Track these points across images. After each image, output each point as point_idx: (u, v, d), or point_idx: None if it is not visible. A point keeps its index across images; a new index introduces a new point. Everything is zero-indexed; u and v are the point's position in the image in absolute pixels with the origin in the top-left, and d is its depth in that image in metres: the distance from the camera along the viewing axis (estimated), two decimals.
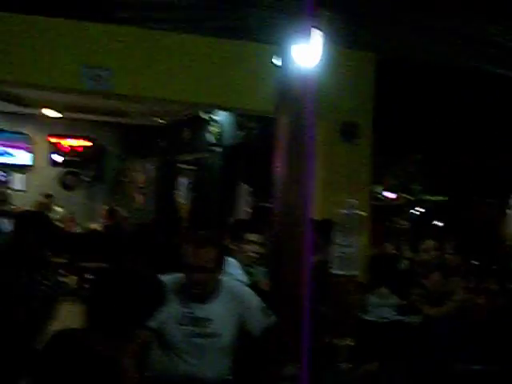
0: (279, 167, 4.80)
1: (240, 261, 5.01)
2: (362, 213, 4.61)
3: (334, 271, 4.35)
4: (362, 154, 7.85)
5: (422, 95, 8.45)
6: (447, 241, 8.39)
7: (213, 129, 11.00)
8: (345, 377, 3.73)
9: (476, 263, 4.59)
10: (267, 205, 4.74)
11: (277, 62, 4.83)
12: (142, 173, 14.20)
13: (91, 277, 6.64)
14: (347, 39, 6.56)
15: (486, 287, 3.96)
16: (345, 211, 4.49)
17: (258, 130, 9.44)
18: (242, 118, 10.07)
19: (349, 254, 4.32)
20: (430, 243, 7.11)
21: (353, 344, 3.90)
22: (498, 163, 11.12)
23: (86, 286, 7.20)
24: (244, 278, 4.62)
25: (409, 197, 14.29)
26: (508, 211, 9.39)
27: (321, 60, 4.73)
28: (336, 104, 7.36)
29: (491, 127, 9.83)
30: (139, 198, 14.06)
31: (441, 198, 13.61)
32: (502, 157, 11.11)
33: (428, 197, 14.00)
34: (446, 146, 10.96)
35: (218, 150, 10.92)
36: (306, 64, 4.50)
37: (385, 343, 4.56)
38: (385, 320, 5.74)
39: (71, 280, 8.26)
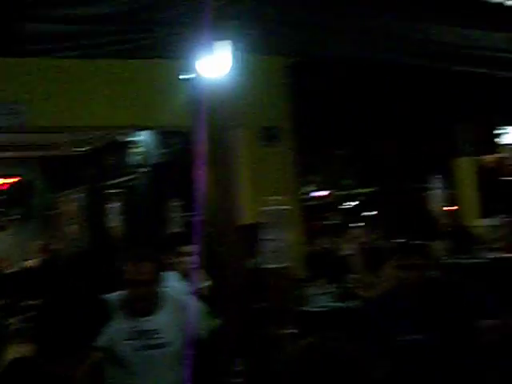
0: (203, 179, 4.91)
1: (179, 272, 5.12)
2: (287, 207, 4.78)
3: (267, 265, 4.53)
4: (284, 156, 8.04)
5: (339, 93, 8.66)
6: (376, 227, 8.67)
7: (137, 150, 11.06)
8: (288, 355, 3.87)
9: (403, 241, 4.79)
10: (198, 218, 4.87)
11: (185, 76, 4.96)
12: (72, 203, 14.10)
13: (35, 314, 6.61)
14: (257, 46, 6.71)
15: (413, 263, 4.13)
16: (270, 208, 4.67)
17: (181, 145, 9.53)
18: (165, 136, 10.16)
19: (279, 247, 4.51)
20: (356, 232, 7.37)
21: (296, 332, 4.06)
22: (418, 151, 11.50)
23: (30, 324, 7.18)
24: (185, 288, 4.74)
25: (340, 192, 14.59)
26: (429, 192, 9.75)
27: (233, 69, 4.86)
28: (254, 110, 7.53)
29: (410, 118, 10.15)
30: (72, 228, 13.95)
31: (370, 189, 13.94)
32: (420, 145, 11.51)
33: (358, 190, 14.32)
34: (368, 139, 11.27)
35: (145, 170, 10.98)
36: (214, 75, 4.64)
37: (327, 330, 4.71)
38: (324, 309, 5.97)
39: (14, 321, 8.20)
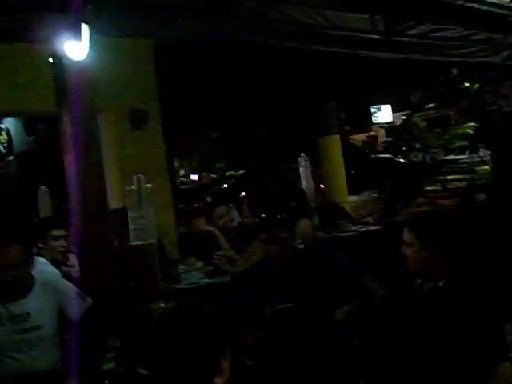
0: (72, 164, 4.91)
1: (49, 257, 5.12)
2: (149, 185, 4.87)
3: (133, 243, 4.63)
4: (154, 139, 8.06)
5: (207, 76, 8.74)
6: (247, 206, 8.89)
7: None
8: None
9: (268, 216, 4.96)
10: (67, 203, 4.87)
11: (51, 60, 4.92)
12: None
13: None
14: (121, 29, 6.66)
15: (278, 237, 4.29)
16: (133, 187, 4.75)
17: (48, 131, 9.38)
18: (31, 122, 9.97)
19: (143, 224, 4.62)
20: (225, 210, 7.55)
21: (169, 306, 4.14)
22: (287, 131, 11.78)
23: None
24: (55, 271, 4.75)
25: (213, 175, 14.77)
26: (298, 171, 10.04)
27: (100, 52, 4.85)
28: (122, 93, 7.52)
29: (278, 98, 10.37)
30: None
31: (242, 171, 14.19)
32: (288, 125, 11.79)
33: (231, 172, 14.55)
34: (238, 121, 11.45)
35: (10, 158, 10.74)
36: (80, 58, 4.63)
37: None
38: (194, 285, 6.14)
39: None
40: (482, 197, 8.45)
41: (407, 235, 3.49)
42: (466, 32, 7.49)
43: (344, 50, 6.53)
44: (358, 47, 6.61)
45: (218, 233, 7.00)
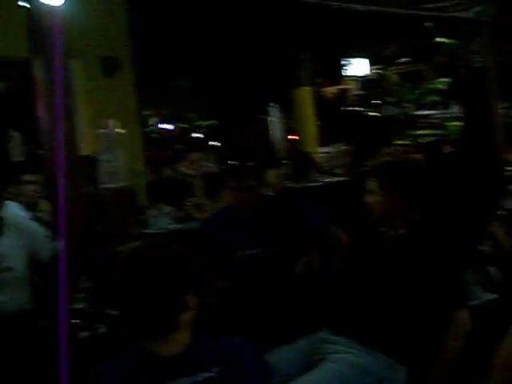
0: (43, 110, 4.92)
1: (20, 201, 5.17)
2: (120, 130, 4.92)
3: (105, 185, 4.71)
4: (125, 87, 8.06)
5: (179, 24, 8.70)
6: (217, 155, 8.94)
7: None
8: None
9: (237, 164, 5.01)
10: (39, 149, 4.90)
11: (23, 3, 4.88)
12: None
13: None
14: None
15: (247, 184, 4.35)
16: (103, 130, 4.81)
17: (19, 76, 9.30)
18: (2, 68, 9.86)
19: (115, 167, 4.69)
20: (195, 157, 7.62)
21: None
22: (258, 81, 11.76)
23: None
24: (26, 214, 4.81)
25: (184, 125, 14.74)
26: (269, 121, 10.10)
27: None
28: (94, 40, 7.49)
29: (250, 48, 10.34)
30: None
31: (213, 121, 14.19)
32: (260, 74, 11.78)
33: (202, 122, 14.53)
34: (209, 70, 11.41)
35: None
36: (53, 2, 4.60)
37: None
38: (164, 230, 6.24)
39: None
40: (448, 150, 8.58)
41: (370, 183, 3.60)
42: None
43: (316, 1, 6.51)
44: None
45: (192, 179, 7.05)
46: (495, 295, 4.50)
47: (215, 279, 4.21)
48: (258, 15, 8.57)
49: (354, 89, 18.32)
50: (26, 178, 5.41)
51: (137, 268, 2.27)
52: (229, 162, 4.58)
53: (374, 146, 7.79)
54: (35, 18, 4.82)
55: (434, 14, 7.90)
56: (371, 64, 17.52)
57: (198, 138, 13.75)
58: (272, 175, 6.50)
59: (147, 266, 2.26)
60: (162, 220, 6.47)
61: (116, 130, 4.85)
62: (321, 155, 11.93)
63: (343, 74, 16.61)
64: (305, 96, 12.57)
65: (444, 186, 5.98)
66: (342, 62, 16.70)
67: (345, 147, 12.03)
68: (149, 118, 13.07)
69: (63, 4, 4.69)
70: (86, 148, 6.42)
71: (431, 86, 16.53)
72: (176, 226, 6.44)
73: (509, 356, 2.87)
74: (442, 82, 16.04)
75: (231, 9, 8.08)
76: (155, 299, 2.23)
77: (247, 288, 4.23)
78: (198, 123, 14.49)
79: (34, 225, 4.38)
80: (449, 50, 13.11)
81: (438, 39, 15.30)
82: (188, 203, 6.59)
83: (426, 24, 12.00)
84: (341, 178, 9.28)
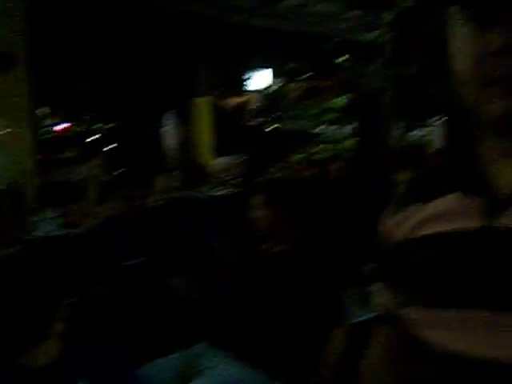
0: None
1: None
2: (9, 130, 4.79)
3: None
4: (18, 85, 7.82)
5: (77, 22, 8.54)
6: (110, 161, 8.80)
7: None
8: None
9: (124, 173, 4.94)
10: None
11: None
12: None
13: None
14: None
15: (132, 193, 4.31)
16: None
17: None
18: None
19: None
20: (89, 164, 7.51)
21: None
22: (157, 88, 11.69)
23: None
24: None
25: (80, 127, 14.47)
26: (164, 129, 10.05)
27: None
28: None
29: (150, 54, 10.26)
30: None
31: (112, 124, 14.00)
32: (159, 81, 11.72)
33: (98, 125, 14.30)
34: (109, 73, 11.25)
35: None
36: None
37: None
38: (47, 235, 6.08)
39: None
40: (341, 168, 8.71)
41: (256, 198, 3.61)
42: (339, 8, 7.70)
43: (214, 15, 6.58)
44: (230, 12, 6.67)
45: (82, 185, 6.92)
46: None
47: (95, 287, 4.14)
48: (162, 24, 8.54)
49: (255, 101, 18.46)
50: None
51: (4, 276, 2.20)
52: (116, 169, 4.52)
53: (265, 161, 7.87)
54: None
55: (334, 34, 8.10)
56: (274, 77, 17.71)
57: (94, 140, 13.54)
58: (160, 184, 6.45)
59: (15, 274, 2.19)
60: (46, 225, 6.30)
61: (3, 129, 4.69)
62: (217, 165, 11.93)
63: (246, 86, 16.70)
64: (203, 106, 12.57)
65: (334, 204, 6.07)
66: (246, 75, 16.80)
67: (239, 159, 12.11)
68: (45, 118, 12.76)
69: None
70: None
71: (330, 103, 16.86)
72: (60, 232, 6.28)
73: (329, 356, 3.24)
74: (341, 101, 16.39)
75: (134, 13, 8.00)
76: (23, 309, 2.17)
77: (127, 298, 4.18)
78: (95, 126, 14.26)
79: None
80: (347, 70, 13.38)
81: (338, 59, 15.63)
82: (75, 209, 6.45)
83: (326, 45, 12.21)
84: (235, 190, 9.28)
